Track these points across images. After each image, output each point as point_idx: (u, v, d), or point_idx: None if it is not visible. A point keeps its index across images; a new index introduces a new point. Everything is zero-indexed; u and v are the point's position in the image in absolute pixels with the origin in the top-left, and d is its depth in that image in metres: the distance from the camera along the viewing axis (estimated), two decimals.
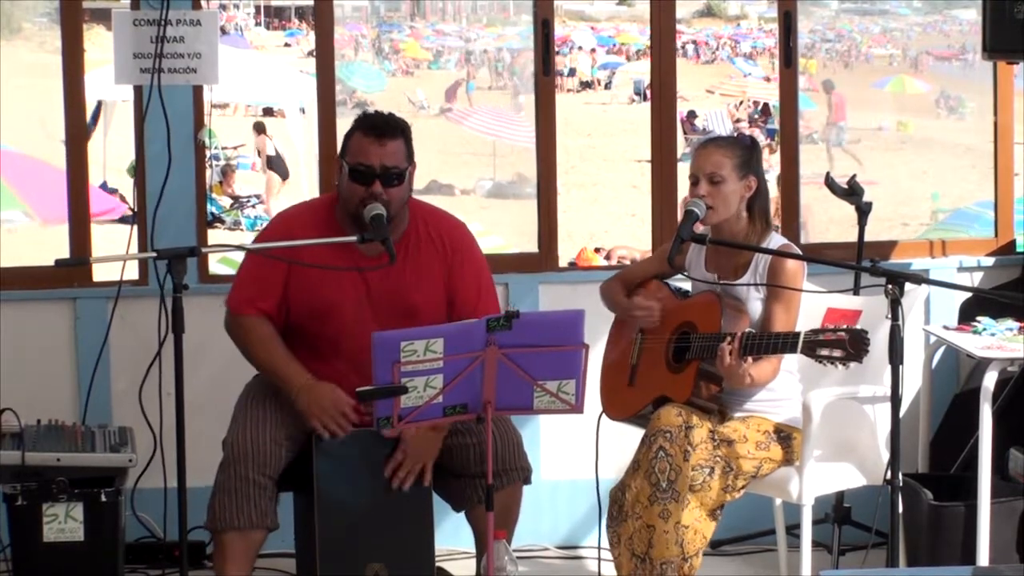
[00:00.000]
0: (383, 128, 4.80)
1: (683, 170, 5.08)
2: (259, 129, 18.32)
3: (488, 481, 4.32)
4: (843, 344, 4.47)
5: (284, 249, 4.76)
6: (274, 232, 4.94)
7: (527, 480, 4.92)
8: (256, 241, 5.00)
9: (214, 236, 13.73)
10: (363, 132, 4.80)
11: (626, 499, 4.76)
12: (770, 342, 4.65)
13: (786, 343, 4.61)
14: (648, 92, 8.00)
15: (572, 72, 28.28)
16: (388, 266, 4.64)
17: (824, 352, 4.50)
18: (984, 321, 5.50)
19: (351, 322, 4.78)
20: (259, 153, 17.97)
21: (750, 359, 4.71)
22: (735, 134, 7.62)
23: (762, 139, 20.29)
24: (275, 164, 17.57)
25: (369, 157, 4.76)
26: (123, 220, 13.02)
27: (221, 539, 4.77)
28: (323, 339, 4.83)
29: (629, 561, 4.75)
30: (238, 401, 4.92)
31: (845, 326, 4.54)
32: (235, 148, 19.02)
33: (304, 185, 16.33)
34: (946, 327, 5.61)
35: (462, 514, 5.00)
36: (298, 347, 4.85)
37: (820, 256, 5.73)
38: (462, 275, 4.91)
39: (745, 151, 4.93)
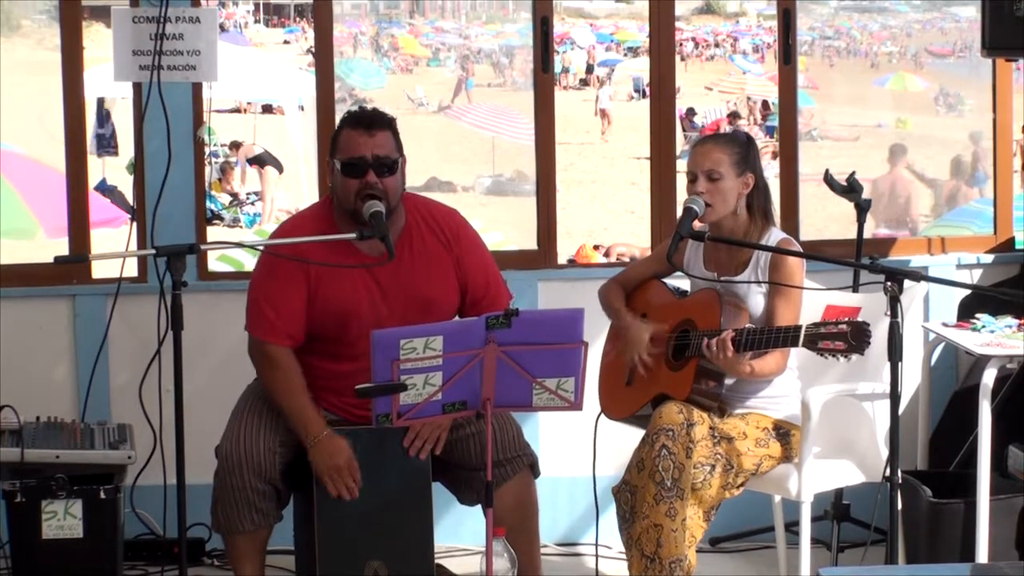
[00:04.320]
0: (370, 120, 4.82)
1: (682, 167, 5.07)
2: (235, 146, 18.20)
3: (488, 478, 4.32)
4: (845, 336, 4.48)
5: (290, 251, 4.74)
6: (277, 247, 4.91)
7: (534, 467, 4.90)
8: (261, 257, 4.93)
9: (213, 233, 13.72)
10: (351, 127, 4.81)
11: (636, 500, 4.76)
12: (771, 336, 4.66)
13: (787, 337, 4.62)
14: (647, 89, 8.00)
15: (590, 69, 28.29)
16: (391, 262, 4.63)
17: (826, 345, 4.50)
18: (983, 318, 5.50)
19: (369, 324, 4.74)
20: (246, 161, 17.90)
21: (748, 354, 4.72)
22: (731, 131, 7.62)
23: (761, 136, 20.33)
24: (267, 159, 17.53)
25: (360, 149, 4.76)
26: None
27: (230, 540, 4.82)
28: (342, 343, 4.81)
29: (639, 561, 4.74)
30: (235, 407, 4.89)
31: (847, 319, 4.55)
32: (238, 142, 19.00)
33: (304, 183, 16.33)
34: (945, 324, 5.61)
35: (461, 511, 5.01)
36: (318, 352, 4.83)
37: (819, 253, 5.74)
38: (469, 261, 4.91)
39: (742, 148, 4.94)
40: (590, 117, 23.96)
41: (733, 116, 21.74)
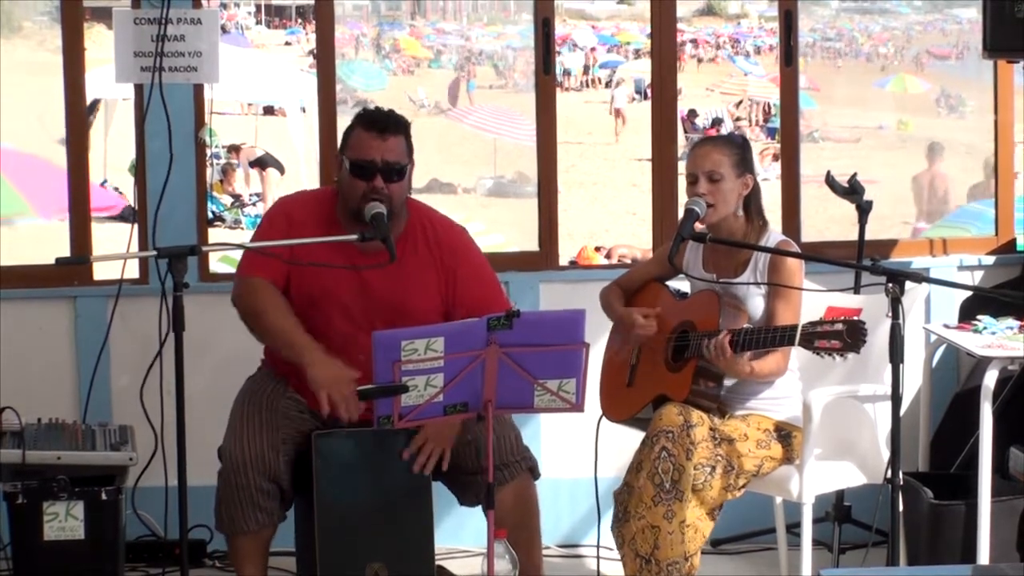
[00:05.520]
0: (384, 124, 4.80)
1: (683, 169, 5.07)
2: (234, 150, 18.18)
3: (489, 479, 4.31)
4: (841, 335, 4.48)
5: (286, 228, 4.77)
6: (275, 215, 4.93)
7: (533, 470, 4.90)
8: (258, 223, 4.95)
9: (215, 235, 13.72)
10: (364, 127, 4.80)
11: (631, 500, 4.76)
12: (768, 336, 4.66)
13: (784, 336, 4.62)
14: (649, 91, 8.00)
15: (586, 70, 28.25)
16: (386, 265, 4.63)
17: (822, 344, 4.51)
18: (984, 320, 5.50)
19: (341, 313, 4.76)
20: (248, 164, 17.89)
21: (748, 355, 4.72)
22: (726, 133, 7.65)
23: (763, 138, 20.29)
24: (268, 161, 17.53)
25: (371, 152, 4.75)
26: (123, 219, 13.02)
27: (233, 540, 4.83)
28: (311, 326, 4.78)
29: (633, 561, 4.74)
30: (233, 406, 4.89)
31: (843, 318, 4.55)
32: (238, 146, 18.99)
33: (306, 184, 16.31)
34: (946, 326, 5.61)
35: (462, 513, 5.00)
36: None
37: (821, 255, 5.74)
38: (462, 278, 4.88)
39: (740, 149, 4.95)
40: (591, 119, 23.95)
41: (716, 122, 21.77)
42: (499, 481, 4.73)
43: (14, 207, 11.73)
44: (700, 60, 28.66)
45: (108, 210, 12.24)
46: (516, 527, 4.63)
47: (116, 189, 15.57)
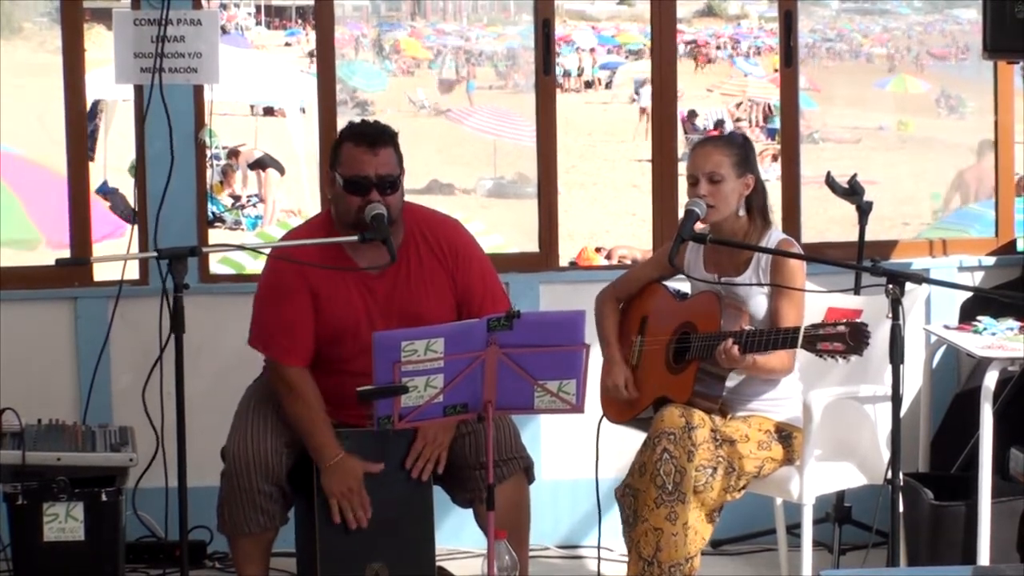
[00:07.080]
0: (374, 137, 4.77)
1: (684, 169, 5.07)
2: (234, 154, 18.17)
3: (489, 480, 4.31)
4: (843, 337, 4.48)
5: (293, 271, 4.72)
6: (276, 262, 4.86)
7: (528, 471, 4.90)
8: (265, 276, 4.88)
9: (215, 236, 13.74)
10: (354, 142, 4.77)
11: (638, 503, 4.76)
12: (771, 338, 4.66)
13: (786, 338, 4.62)
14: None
15: (581, 72, 28.24)
16: (390, 269, 4.62)
17: (824, 346, 4.51)
18: (984, 321, 5.50)
19: (365, 341, 4.74)
20: (247, 166, 17.87)
21: (750, 356, 4.72)
22: (727, 133, 7.64)
23: (763, 139, 20.27)
24: (268, 162, 17.52)
25: (363, 168, 4.72)
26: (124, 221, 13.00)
27: (235, 541, 4.84)
28: (337, 359, 4.80)
29: (636, 564, 4.74)
30: (239, 407, 4.89)
31: (845, 320, 4.55)
32: (237, 149, 18.98)
33: (306, 185, 16.32)
34: (947, 326, 5.61)
35: (463, 514, 5.00)
36: (312, 365, 4.83)
37: (821, 255, 5.74)
38: (468, 275, 4.88)
39: (741, 149, 4.94)
40: (591, 120, 23.95)
41: (718, 124, 21.76)
42: (494, 478, 4.73)
43: (25, 234, 11.72)
44: (709, 60, 28.68)
45: (110, 236, 12.22)
46: (505, 528, 4.62)
47: (116, 191, 15.53)
